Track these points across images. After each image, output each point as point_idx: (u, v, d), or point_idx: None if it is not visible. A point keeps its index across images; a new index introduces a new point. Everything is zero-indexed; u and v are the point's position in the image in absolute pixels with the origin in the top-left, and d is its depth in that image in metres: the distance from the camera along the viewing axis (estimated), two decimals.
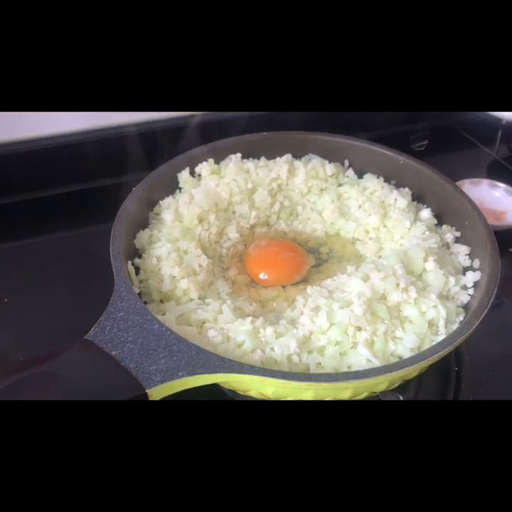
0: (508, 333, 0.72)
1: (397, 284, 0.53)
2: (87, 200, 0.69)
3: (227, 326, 0.52)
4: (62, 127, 0.79)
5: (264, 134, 0.74)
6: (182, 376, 0.44)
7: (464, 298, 0.56)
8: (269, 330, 0.51)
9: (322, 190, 0.71)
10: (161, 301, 0.57)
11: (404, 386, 0.55)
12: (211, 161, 0.70)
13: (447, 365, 0.65)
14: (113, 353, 0.45)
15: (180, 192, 0.69)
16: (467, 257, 0.61)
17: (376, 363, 0.49)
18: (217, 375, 0.45)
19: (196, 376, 0.44)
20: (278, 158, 0.71)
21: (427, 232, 0.62)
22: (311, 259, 0.64)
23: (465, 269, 0.60)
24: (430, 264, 0.56)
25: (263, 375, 0.45)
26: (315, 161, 0.72)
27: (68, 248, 0.70)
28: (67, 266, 0.68)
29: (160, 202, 0.66)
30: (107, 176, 0.70)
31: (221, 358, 0.46)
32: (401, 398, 0.54)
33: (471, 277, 0.57)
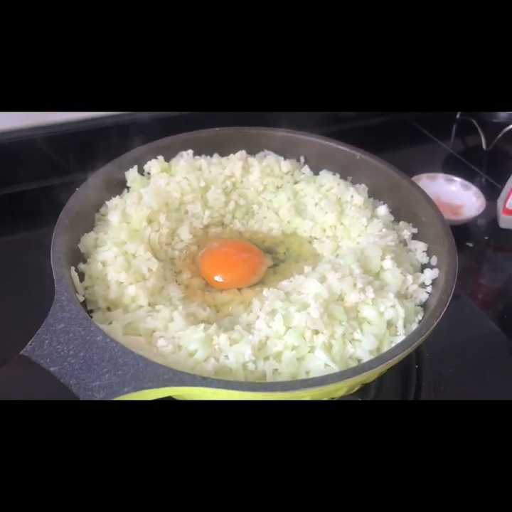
0: (466, 327, 0.72)
1: (354, 284, 0.51)
2: (25, 203, 0.64)
3: (179, 334, 0.49)
4: None
5: (217, 129, 0.71)
6: (127, 392, 0.41)
7: (423, 296, 0.55)
8: (223, 337, 0.48)
9: (278, 187, 0.68)
10: (108, 309, 0.54)
11: (364, 387, 0.54)
12: (161, 158, 0.67)
13: (408, 364, 0.64)
14: (52, 369, 0.42)
15: (128, 191, 0.65)
16: (425, 253, 0.59)
17: (334, 368, 0.47)
18: (166, 388, 0.42)
19: (144, 391, 0.41)
20: (231, 155, 0.69)
21: (383, 230, 0.60)
22: (268, 260, 0.62)
23: (423, 267, 0.59)
24: (387, 263, 0.55)
25: (216, 386, 0.42)
26: (270, 158, 0.70)
27: (3, 254, 0.65)
28: (2, 274, 0.63)
29: (106, 202, 0.62)
30: (47, 177, 0.65)
31: (170, 370, 0.43)
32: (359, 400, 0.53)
33: (429, 275, 0.56)
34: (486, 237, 0.86)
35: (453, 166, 1.00)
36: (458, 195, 0.90)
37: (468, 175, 0.95)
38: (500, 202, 0.87)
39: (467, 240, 0.85)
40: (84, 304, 0.53)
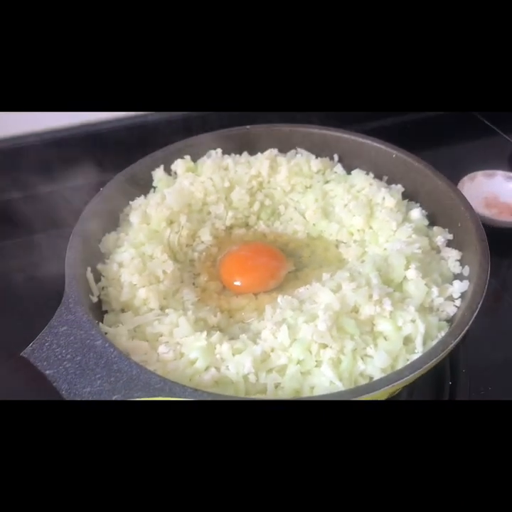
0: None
1: (370, 296, 0.48)
2: (45, 204, 0.65)
3: (183, 341, 0.48)
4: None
5: (247, 127, 0.69)
6: (116, 400, 0.40)
7: (450, 310, 0.50)
8: (226, 346, 0.47)
9: (307, 187, 0.65)
10: (122, 311, 0.54)
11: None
12: (187, 157, 0.66)
13: (441, 378, 0.59)
14: (47, 372, 0.42)
15: (154, 191, 0.65)
16: (458, 262, 0.54)
17: (339, 386, 0.44)
18: (156, 398, 0.41)
19: (132, 399, 0.41)
20: (259, 154, 0.66)
21: (413, 235, 0.56)
22: (289, 264, 0.60)
23: (455, 277, 0.54)
24: (411, 273, 0.51)
25: (206, 399, 0.41)
26: (299, 157, 0.67)
27: (24, 253, 0.67)
28: (19, 273, 0.65)
29: (130, 202, 0.62)
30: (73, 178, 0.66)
31: (163, 380, 0.42)
32: None
33: (458, 287, 0.51)
34: None
35: None
36: None
37: None
38: None
39: None
40: (99, 304, 0.54)
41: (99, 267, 0.56)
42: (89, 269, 0.54)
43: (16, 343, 0.47)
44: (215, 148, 0.67)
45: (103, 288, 0.55)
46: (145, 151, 0.67)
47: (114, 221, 0.61)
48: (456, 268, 0.54)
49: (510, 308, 0.68)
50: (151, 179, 0.66)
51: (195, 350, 0.46)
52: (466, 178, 0.83)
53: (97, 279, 0.55)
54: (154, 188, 0.65)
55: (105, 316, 0.53)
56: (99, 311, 0.54)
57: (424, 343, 0.47)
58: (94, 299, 0.53)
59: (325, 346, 0.46)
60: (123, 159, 0.66)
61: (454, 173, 0.62)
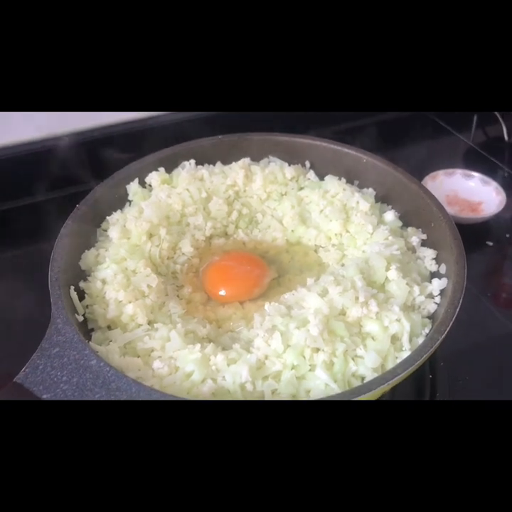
0: (486, 331, 0.69)
1: (357, 298, 0.49)
2: (23, 219, 0.64)
3: (176, 354, 0.48)
4: None
5: (219, 137, 0.70)
6: None
7: (431, 307, 0.52)
8: (220, 357, 0.47)
9: (282, 195, 0.67)
10: (109, 328, 0.53)
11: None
12: (162, 170, 0.66)
13: (421, 374, 0.61)
14: (44, 397, 0.42)
15: (130, 205, 0.65)
16: (434, 261, 0.57)
17: (334, 388, 0.45)
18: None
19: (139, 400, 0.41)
20: (233, 163, 0.67)
21: (390, 237, 0.58)
22: (272, 271, 0.61)
23: (433, 275, 0.56)
24: (392, 273, 0.53)
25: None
26: (273, 165, 0.68)
27: (6, 270, 0.65)
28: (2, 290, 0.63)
29: (107, 217, 0.62)
30: (45, 191, 0.65)
31: (163, 395, 0.42)
32: None
33: (436, 285, 0.53)
34: (508, 235, 0.82)
35: (473, 160, 0.96)
36: (477, 192, 0.86)
37: (489, 168, 0.91)
38: None
39: (487, 239, 0.81)
40: (84, 323, 0.53)
41: (82, 284, 0.55)
42: (72, 287, 0.53)
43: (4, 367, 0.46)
44: (188, 159, 0.68)
45: (87, 306, 0.54)
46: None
47: (91, 237, 0.61)
48: (432, 266, 0.56)
49: (473, 297, 0.72)
50: (125, 193, 0.65)
51: (190, 363, 0.47)
52: (427, 178, 0.87)
53: (80, 297, 0.54)
54: (129, 201, 0.65)
55: (93, 334, 0.53)
56: (85, 329, 0.53)
57: (410, 340, 0.49)
58: (80, 318, 0.52)
59: (317, 350, 0.47)
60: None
61: (415, 173, 0.65)
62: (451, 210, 0.82)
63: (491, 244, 0.81)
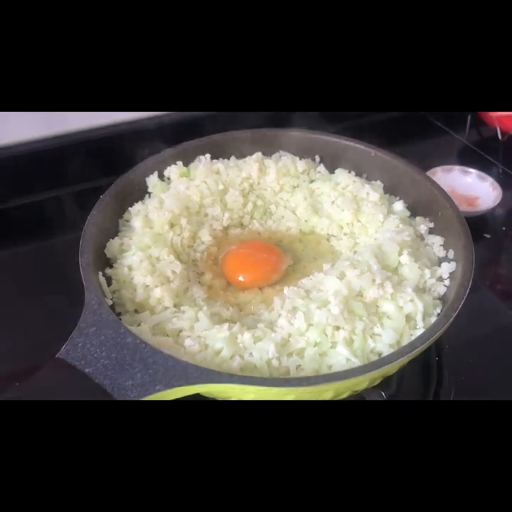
0: (485, 318, 0.72)
1: (373, 280, 0.53)
2: (51, 211, 0.67)
3: (204, 334, 0.51)
4: (13, 136, 0.77)
5: (233, 132, 0.72)
6: (159, 390, 0.43)
7: (441, 289, 0.56)
8: (247, 335, 0.50)
9: (294, 187, 0.70)
10: (136, 312, 0.56)
11: (386, 380, 0.55)
12: (180, 163, 0.69)
13: (428, 356, 0.65)
14: (86, 370, 0.44)
15: (149, 197, 0.67)
16: (441, 247, 0.60)
17: (356, 362, 0.48)
18: (196, 386, 0.44)
19: (174, 389, 0.43)
20: (248, 157, 0.70)
21: (400, 225, 0.61)
22: (288, 259, 0.64)
23: (440, 260, 0.60)
24: (405, 258, 0.56)
25: (243, 383, 0.44)
26: (285, 158, 0.71)
27: (34, 262, 0.68)
28: (34, 280, 0.66)
29: (129, 208, 0.64)
30: (71, 184, 0.68)
31: (199, 369, 0.45)
32: (383, 395, 0.54)
33: (446, 268, 0.57)
34: (504, 228, 0.86)
35: (469, 158, 1.00)
36: (474, 187, 0.90)
37: (484, 166, 0.95)
38: None
39: (484, 232, 0.85)
40: (112, 307, 0.55)
41: (108, 271, 0.58)
42: (100, 273, 0.56)
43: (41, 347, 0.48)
44: (203, 154, 0.70)
45: (114, 291, 0.57)
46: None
47: (115, 227, 0.63)
48: (440, 252, 0.60)
49: (477, 289, 0.75)
50: (145, 186, 0.68)
51: (219, 341, 0.49)
52: (427, 174, 0.90)
53: (107, 283, 0.57)
54: (149, 193, 0.68)
55: (121, 317, 0.55)
56: (114, 313, 0.56)
57: (423, 319, 0.53)
58: (109, 302, 0.54)
59: (338, 328, 0.50)
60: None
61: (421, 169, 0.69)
62: None
63: (488, 236, 0.85)
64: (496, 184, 0.88)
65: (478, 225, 0.87)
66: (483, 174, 0.90)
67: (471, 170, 0.91)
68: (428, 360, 0.65)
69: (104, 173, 0.69)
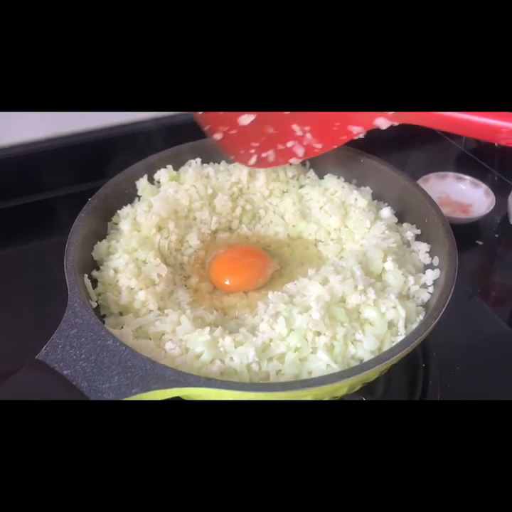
0: (475, 326, 0.72)
1: (356, 286, 0.53)
2: (40, 212, 0.67)
3: (186, 337, 0.51)
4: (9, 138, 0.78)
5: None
6: (136, 393, 0.43)
7: (424, 296, 0.56)
8: (228, 339, 0.50)
9: (284, 192, 0.70)
10: (120, 314, 0.56)
11: (370, 386, 0.56)
12: (170, 167, 0.69)
13: (415, 362, 0.65)
14: (65, 372, 0.44)
15: (139, 200, 0.68)
16: (427, 254, 0.60)
17: (336, 368, 0.48)
18: (173, 389, 0.44)
19: (151, 392, 0.44)
20: (237, 163, 0.70)
21: (386, 232, 0.61)
22: (275, 264, 0.64)
23: (426, 267, 0.60)
24: (389, 264, 0.56)
25: (219, 387, 0.44)
26: None
27: (20, 263, 0.69)
28: (18, 282, 0.66)
29: (118, 211, 0.65)
30: (61, 187, 0.69)
31: (176, 372, 0.45)
32: (363, 399, 0.54)
33: (430, 276, 0.57)
34: (497, 235, 0.86)
35: (465, 164, 1.00)
36: (468, 194, 0.90)
37: (480, 173, 0.95)
38: (511, 199, 0.87)
39: (477, 238, 0.85)
40: (97, 309, 0.56)
41: (94, 273, 0.58)
42: (86, 276, 0.56)
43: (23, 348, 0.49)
44: (194, 158, 0.71)
45: (100, 294, 0.57)
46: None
47: (103, 230, 0.64)
48: (426, 259, 0.60)
49: (464, 293, 0.75)
50: (134, 189, 0.68)
51: (200, 345, 0.49)
52: (420, 180, 0.90)
53: (92, 286, 0.57)
54: (138, 197, 0.68)
55: (105, 320, 0.55)
56: (98, 315, 0.56)
57: (406, 326, 0.53)
58: (94, 304, 0.55)
59: (319, 334, 0.50)
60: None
61: (409, 176, 0.69)
62: (443, 211, 0.86)
63: (480, 243, 0.85)
64: (490, 191, 0.88)
65: (471, 232, 0.87)
66: (477, 181, 0.90)
67: (466, 176, 0.91)
68: (415, 366, 0.64)
69: (96, 176, 0.70)
